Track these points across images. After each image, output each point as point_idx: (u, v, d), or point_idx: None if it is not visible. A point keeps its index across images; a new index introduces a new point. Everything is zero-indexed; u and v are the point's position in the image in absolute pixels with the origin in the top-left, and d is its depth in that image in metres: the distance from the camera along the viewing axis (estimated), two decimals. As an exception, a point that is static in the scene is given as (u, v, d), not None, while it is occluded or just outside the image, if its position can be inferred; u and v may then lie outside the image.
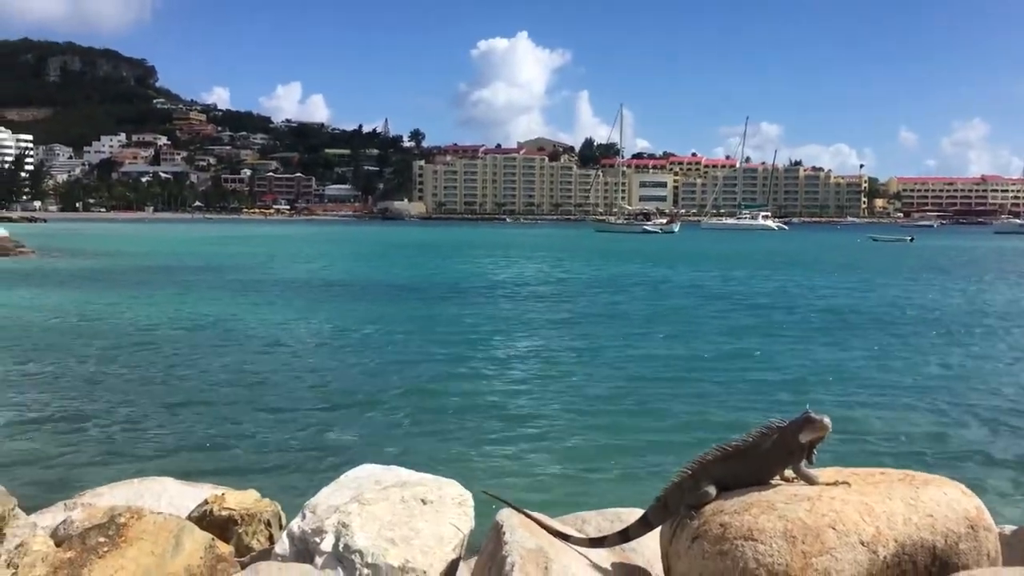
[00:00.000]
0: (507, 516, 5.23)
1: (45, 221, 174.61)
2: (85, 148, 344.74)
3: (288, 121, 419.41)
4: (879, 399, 18.42)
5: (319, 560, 5.46)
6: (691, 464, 5.02)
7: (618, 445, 14.41)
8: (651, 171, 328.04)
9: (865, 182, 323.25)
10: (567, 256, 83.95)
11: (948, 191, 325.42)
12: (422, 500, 5.88)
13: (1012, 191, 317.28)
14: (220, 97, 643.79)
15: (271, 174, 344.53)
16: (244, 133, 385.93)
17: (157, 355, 23.34)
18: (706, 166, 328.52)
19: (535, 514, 5.40)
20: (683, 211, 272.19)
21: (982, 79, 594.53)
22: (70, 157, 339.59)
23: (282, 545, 5.66)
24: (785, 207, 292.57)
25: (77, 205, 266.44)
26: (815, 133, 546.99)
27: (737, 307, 38.15)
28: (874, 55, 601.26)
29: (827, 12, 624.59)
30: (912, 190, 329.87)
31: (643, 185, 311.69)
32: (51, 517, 6.98)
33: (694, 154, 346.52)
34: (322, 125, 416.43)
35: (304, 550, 5.59)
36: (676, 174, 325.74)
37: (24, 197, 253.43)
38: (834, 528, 4.51)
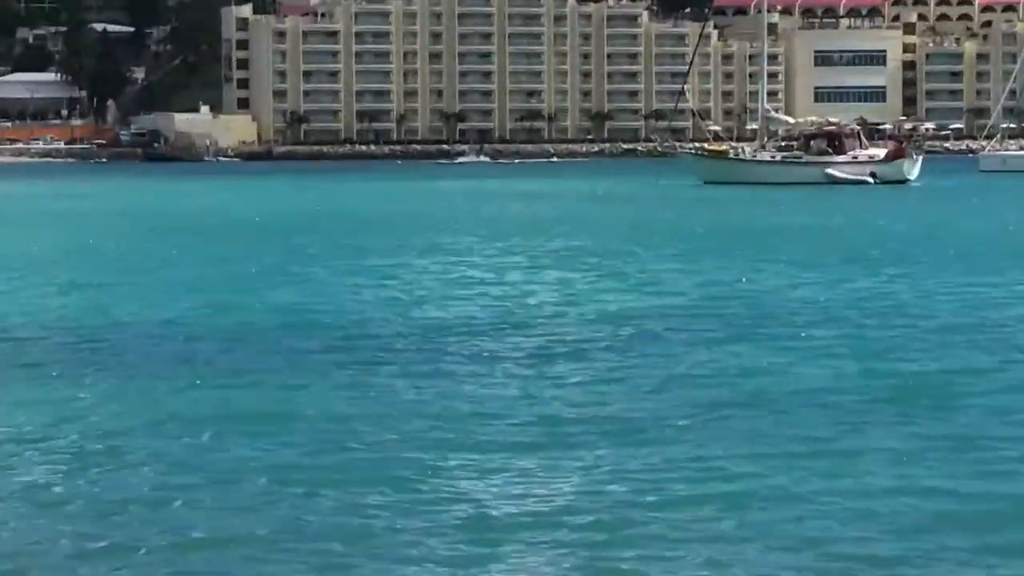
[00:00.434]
0: None
1: None
2: None
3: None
4: None
5: None
6: None
7: None
8: (845, 27, 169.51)
9: None
10: (650, 251, 43.33)
11: None
12: None
13: None
14: None
15: None
16: None
17: None
18: (989, 10, 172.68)
19: None
20: (928, 127, 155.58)
21: None
22: None
23: None
24: None
25: None
26: None
27: None
28: None
29: None
30: None
31: (824, 62, 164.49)
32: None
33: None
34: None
35: None
36: (909, 32, 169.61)
37: None
38: None
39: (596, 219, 59.49)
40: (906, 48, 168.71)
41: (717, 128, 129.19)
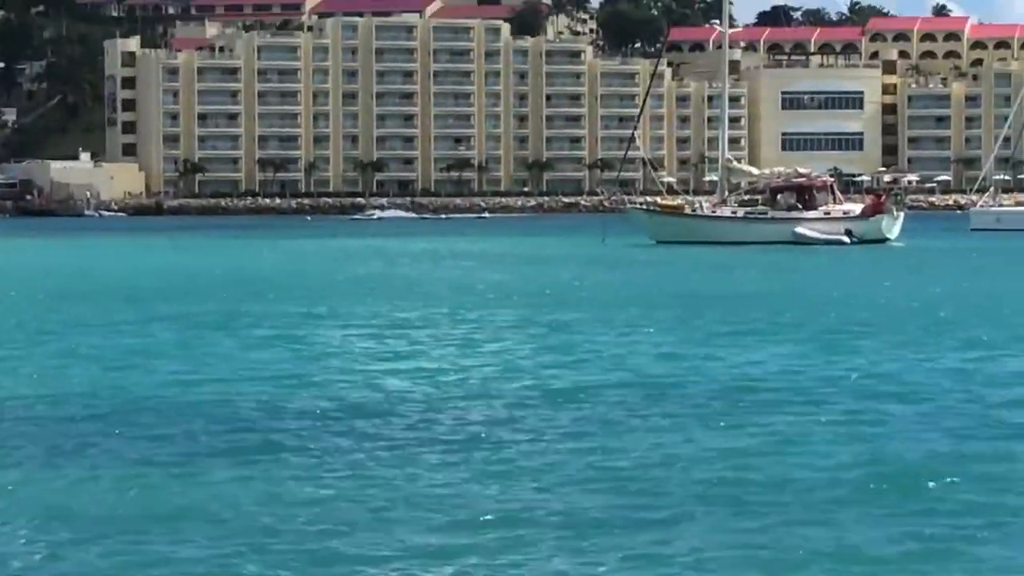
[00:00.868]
0: None
1: None
2: None
3: None
4: None
5: None
6: None
7: None
8: (816, 65, 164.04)
9: None
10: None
11: None
12: None
13: None
14: None
15: None
16: None
17: None
18: (979, 46, 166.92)
19: None
20: (910, 179, 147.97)
21: None
22: None
23: None
24: None
25: None
26: None
27: None
28: None
29: None
30: None
31: (792, 104, 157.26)
32: None
33: (942, 8, 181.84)
34: None
35: None
36: (890, 72, 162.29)
37: None
38: None
39: (531, 284, 56.37)
40: (886, 89, 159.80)
41: (671, 180, 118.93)
